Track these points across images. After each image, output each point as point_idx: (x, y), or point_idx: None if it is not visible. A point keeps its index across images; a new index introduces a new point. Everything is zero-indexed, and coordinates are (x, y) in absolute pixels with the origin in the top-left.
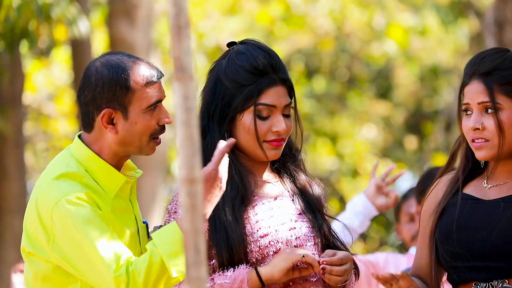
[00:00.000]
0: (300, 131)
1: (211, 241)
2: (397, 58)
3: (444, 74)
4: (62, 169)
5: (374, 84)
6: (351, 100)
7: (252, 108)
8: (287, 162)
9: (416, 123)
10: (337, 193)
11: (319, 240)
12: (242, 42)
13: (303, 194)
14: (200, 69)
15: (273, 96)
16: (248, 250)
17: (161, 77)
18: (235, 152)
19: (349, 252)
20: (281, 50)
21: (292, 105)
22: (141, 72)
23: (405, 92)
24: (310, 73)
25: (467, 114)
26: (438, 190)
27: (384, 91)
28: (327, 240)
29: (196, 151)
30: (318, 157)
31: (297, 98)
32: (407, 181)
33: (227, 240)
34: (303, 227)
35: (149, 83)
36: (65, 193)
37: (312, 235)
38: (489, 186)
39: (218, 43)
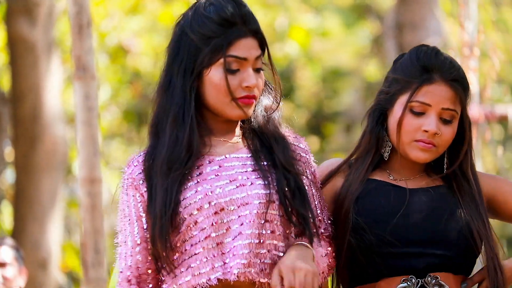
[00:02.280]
0: (278, 84)
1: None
2: (299, 60)
3: (345, 76)
4: None
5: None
6: None
7: (220, 61)
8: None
9: (317, 124)
10: None
11: (275, 199)
12: None
13: (267, 150)
14: (102, 68)
15: (243, 48)
16: (176, 214)
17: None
18: (200, 110)
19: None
20: None
21: (265, 59)
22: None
23: (306, 93)
24: None
25: (416, 113)
26: (336, 180)
27: (286, 92)
28: (289, 202)
29: (97, 151)
30: None
31: None
32: None
33: (155, 208)
34: (254, 185)
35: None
36: None
37: (265, 192)
38: (395, 178)
39: (120, 43)
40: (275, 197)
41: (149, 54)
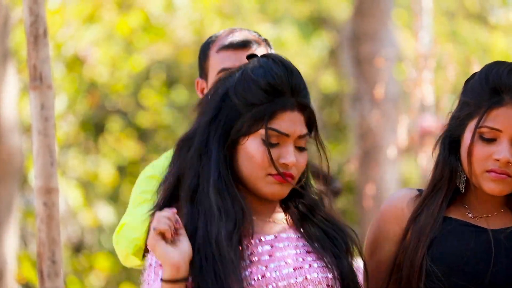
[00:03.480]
0: (327, 167)
1: (193, 282)
2: None
3: None
4: None
5: None
6: None
7: (260, 132)
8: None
9: None
10: None
11: (335, 283)
12: (264, 56)
13: (318, 232)
14: (58, 78)
15: (287, 122)
16: None
17: (242, 46)
18: (235, 184)
19: None
20: (141, 60)
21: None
22: (222, 39)
23: None
24: (170, 83)
25: (486, 139)
26: (399, 214)
27: None
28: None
29: (53, 161)
30: None
31: (157, 109)
32: None
33: (216, 281)
34: (312, 268)
35: (223, 48)
36: None
37: (324, 276)
38: (474, 216)
39: (76, 52)
40: (335, 282)
41: (106, 64)
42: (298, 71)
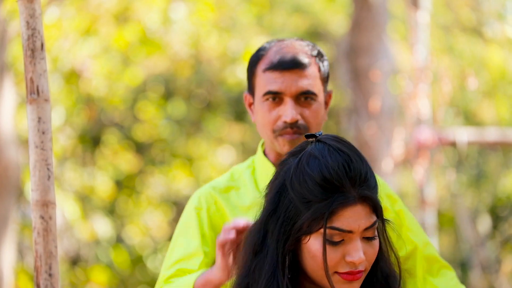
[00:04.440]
0: (395, 258)
1: None
2: None
3: None
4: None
5: (230, 108)
6: (207, 124)
7: (321, 231)
8: None
9: None
10: None
11: None
12: (320, 140)
13: None
14: (55, 92)
15: (349, 218)
16: None
17: (290, 67)
18: (300, 280)
19: None
20: (138, 74)
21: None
22: (270, 56)
23: None
24: (167, 96)
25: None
26: None
27: (240, 114)
28: None
29: (51, 174)
30: (174, 180)
31: (155, 122)
32: None
33: None
34: None
35: (270, 69)
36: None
37: None
38: None
39: (73, 66)
40: None
41: (103, 77)
42: (359, 157)
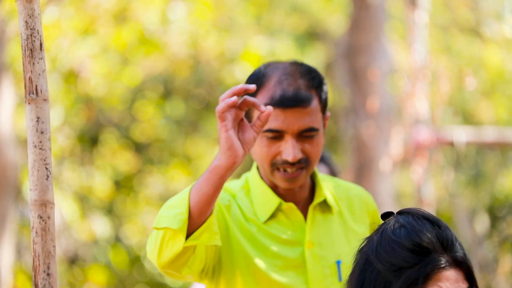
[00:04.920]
0: None
1: None
2: None
3: None
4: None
5: None
6: (206, 124)
7: None
8: None
9: None
10: None
11: None
12: (401, 212)
13: None
14: (54, 92)
15: (444, 282)
16: None
17: (293, 106)
18: None
19: None
20: (136, 73)
21: None
22: (271, 89)
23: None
24: (166, 96)
25: None
26: None
27: None
28: None
29: (49, 174)
30: (172, 180)
31: (153, 122)
32: None
33: None
34: None
35: (270, 104)
36: None
37: None
38: None
39: (71, 66)
40: None
41: (101, 77)
42: (445, 223)
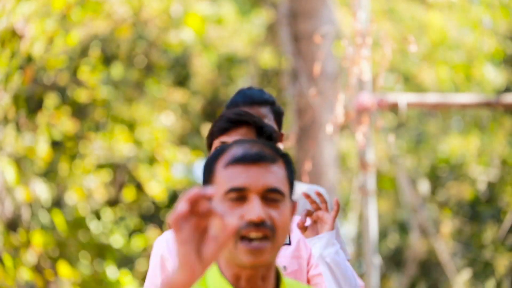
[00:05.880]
0: None
1: None
2: (195, 47)
3: (240, 63)
4: None
5: (171, 72)
6: (149, 87)
7: None
8: None
9: (212, 111)
10: (134, 180)
11: None
12: None
13: None
14: None
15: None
16: None
17: (255, 160)
18: None
19: None
20: (77, 35)
21: None
22: (231, 152)
23: (202, 80)
24: (107, 59)
25: None
26: None
27: (182, 79)
28: None
29: None
30: (115, 144)
31: (94, 85)
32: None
33: None
34: None
35: (229, 165)
36: None
37: None
38: None
39: (11, 27)
40: None
41: (42, 39)
42: None
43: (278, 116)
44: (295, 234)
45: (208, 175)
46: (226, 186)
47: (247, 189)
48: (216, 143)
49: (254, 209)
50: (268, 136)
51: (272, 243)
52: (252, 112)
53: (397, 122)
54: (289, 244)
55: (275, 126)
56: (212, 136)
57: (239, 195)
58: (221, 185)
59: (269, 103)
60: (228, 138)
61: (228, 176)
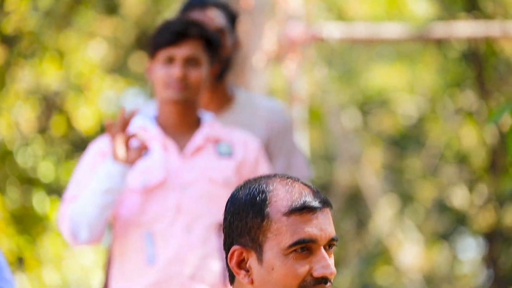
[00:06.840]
0: None
1: None
2: None
3: None
4: None
5: (101, 0)
6: (78, 17)
7: None
8: None
9: (144, 40)
10: (64, 111)
11: None
12: None
13: None
14: None
15: None
16: None
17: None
18: None
19: None
20: None
21: None
22: (286, 196)
23: (134, 8)
24: None
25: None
26: None
27: (113, 7)
28: None
29: None
30: (44, 74)
31: (22, 15)
32: (135, 96)
33: None
34: None
35: (294, 212)
36: None
37: None
38: None
39: None
40: None
41: None
42: None
43: (232, 19)
44: None
45: (256, 220)
46: (292, 237)
47: (317, 241)
48: (162, 54)
49: (327, 263)
50: (214, 49)
51: None
52: (205, 15)
53: (327, 54)
54: None
55: (229, 29)
56: (157, 46)
57: (306, 246)
58: (282, 235)
59: (222, 5)
60: (175, 51)
61: (294, 225)
